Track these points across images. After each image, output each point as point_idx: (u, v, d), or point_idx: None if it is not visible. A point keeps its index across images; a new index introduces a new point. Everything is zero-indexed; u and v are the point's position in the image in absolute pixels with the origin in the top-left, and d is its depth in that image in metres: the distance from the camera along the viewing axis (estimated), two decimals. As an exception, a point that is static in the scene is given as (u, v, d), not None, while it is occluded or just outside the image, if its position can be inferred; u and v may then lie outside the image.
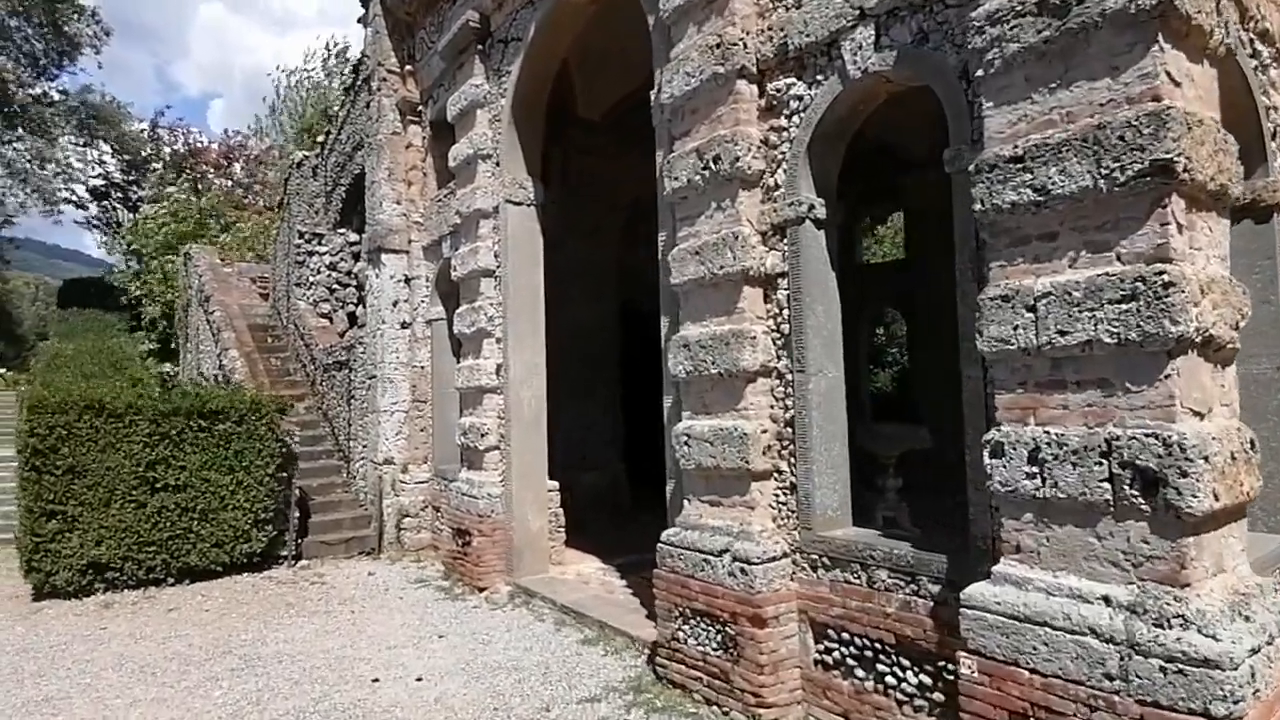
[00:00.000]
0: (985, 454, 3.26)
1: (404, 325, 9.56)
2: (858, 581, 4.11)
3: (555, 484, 7.87)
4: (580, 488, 10.57)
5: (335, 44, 22.52)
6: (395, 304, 9.53)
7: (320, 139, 12.60)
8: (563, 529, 7.96)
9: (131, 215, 27.37)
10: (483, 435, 7.60)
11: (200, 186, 23.78)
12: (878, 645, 3.99)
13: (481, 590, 7.35)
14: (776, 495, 4.59)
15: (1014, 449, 3.14)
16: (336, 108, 12.60)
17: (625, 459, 11.51)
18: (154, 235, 19.31)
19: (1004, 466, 3.17)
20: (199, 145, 28.04)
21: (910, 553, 3.84)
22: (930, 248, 12.92)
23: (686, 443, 4.92)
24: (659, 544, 5.15)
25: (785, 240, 4.56)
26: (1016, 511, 3.17)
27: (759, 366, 4.56)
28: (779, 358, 4.61)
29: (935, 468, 7.17)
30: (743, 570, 4.40)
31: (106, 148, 30.21)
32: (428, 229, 9.43)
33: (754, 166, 4.64)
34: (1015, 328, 3.14)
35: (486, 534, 7.43)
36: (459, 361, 8.28)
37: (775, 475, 4.59)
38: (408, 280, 9.62)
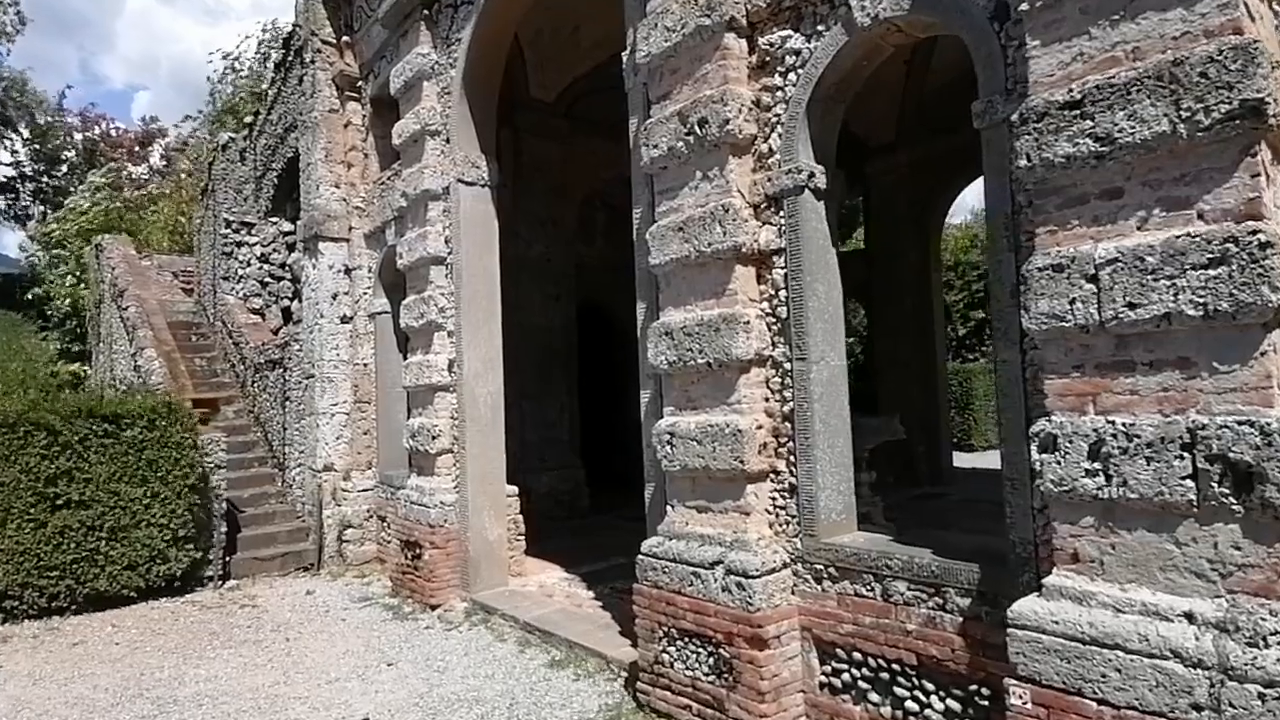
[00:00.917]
0: (1032, 448, 2.82)
1: (344, 320, 8.78)
2: (871, 594, 3.64)
3: (514, 489, 7.25)
4: (538, 491, 9.98)
5: (272, 25, 21.20)
6: (334, 297, 8.75)
7: (249, 120, 11.62)
8: (522, 537, 7.35)
9: (44, 209, 25.42)
10: (434, 437, 6.93)
11: (118, 176, 22.18)
12: (896, 666, 3.54)
13: (434, 608, 6.67)
14: (774, 499, 4.10)
15: (1070, 442, 2.70)
16: (266, 85, 11.64)
17: (584, 460, 10.94)
18: (70, 225, 17.81)
19: (1057, 462, 2.73)
20: (114, 132, 26.23)
21: (934, 561, 3.39)
22: (891, 235, 12.74)
23: (669, 442, 4.39)
24: (639, 555, 4.61)
25: (782, 213, 4.07)
26: (1073, 514, 2.73)
27: (753, 355, 4.06)
28: (774, 345, 4.12)
29: (899, 460, 6.83)
30: (739, 585, 3.90)
31: (17, 138, 28.03)
32: (370, 215, 8.67)
33: (745, 130, 4.14)
34: (1072, 301, 2.70)
35: (439, 546, 6.75)
36: (406, 358, 7.57)
37: (772, 476, 4.10)
38: (348, 271, 8.84)
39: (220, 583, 7.73)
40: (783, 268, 4.07)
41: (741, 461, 4.00)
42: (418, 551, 6.97)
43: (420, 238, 7.13)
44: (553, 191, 10.96)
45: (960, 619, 3.27)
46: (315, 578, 8.22)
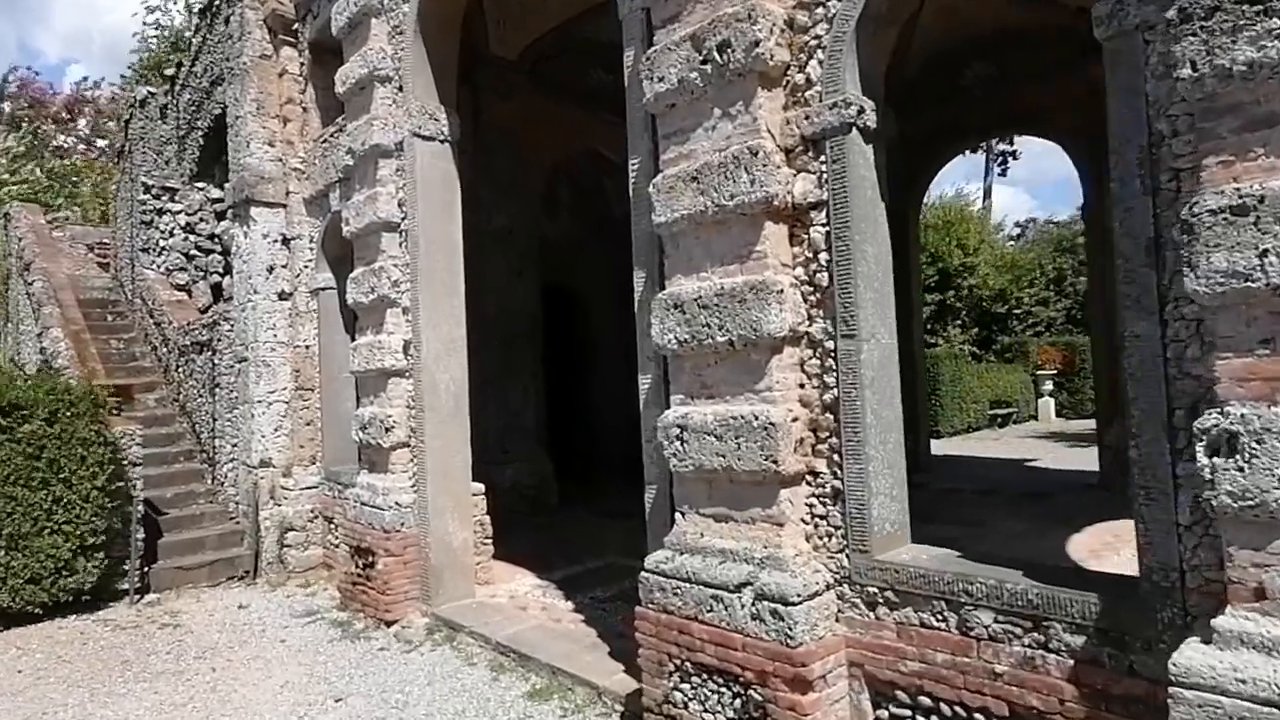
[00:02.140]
0: (1199, 450, 2.15)
1: (282, 296, 7.76)
2: (943, 625, 2.97)
3: (480, 486, 6.42)
4: (502, 486, 9.13)
5: None
6: (271, 270, 7.71)
7: (169, 72, 10.34)
8: (490, 541, 6.52)
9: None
10: (388, 429, 6.04)
11: (40, 143, 20.24)
12: (979, 717, 2.87)
13: (390, 624, 5.83)
14: (813, 506, 3.39)
15: (1258, 442, 2.04)
16: (190, 33, 10.40)
17: (551, 452, 10.13)
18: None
19: (1239, 470, 2.07)
20: (42, 95, 23.97)
21: (1032, 588, 2.72)
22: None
23: (680, 437, 3.64)
24: (643, 574, 3.86)
25: (823, 158, 3.33)
26: (1260, 537, 2.08)
27: (788, 331, 3.32)
28: (811, 319, 3.40)
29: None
30: (774, 612, 3.18)
31: None
32: (311, 177, 7.65)
33: (777, 56, 3.37)
34: (1263, 254, 2.03)
35: (395, 553, 5.89)
36: (355, 339, 6.63)
37: (810, 479, 3.39)
38: (286, 241, 7.80)
39: (138, 596, 6.70)
40: (823, 225, 3.33)
41: (774, 461, 3.27)
42: (370, 559, 6.09)
43: (369, 200, 6.18)
44: (516, 158, 10.04)
45: (1070, 662, 2.61)
46: (251, 588, 7.25)
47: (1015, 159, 23.38)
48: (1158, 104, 2.39)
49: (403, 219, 6.12)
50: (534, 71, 9.91)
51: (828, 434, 3.33)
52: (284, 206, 7.75)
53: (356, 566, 6.27)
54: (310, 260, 7.74)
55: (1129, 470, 2.51)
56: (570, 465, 10.74)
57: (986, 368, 20.96)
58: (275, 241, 7.73)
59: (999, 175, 27.10)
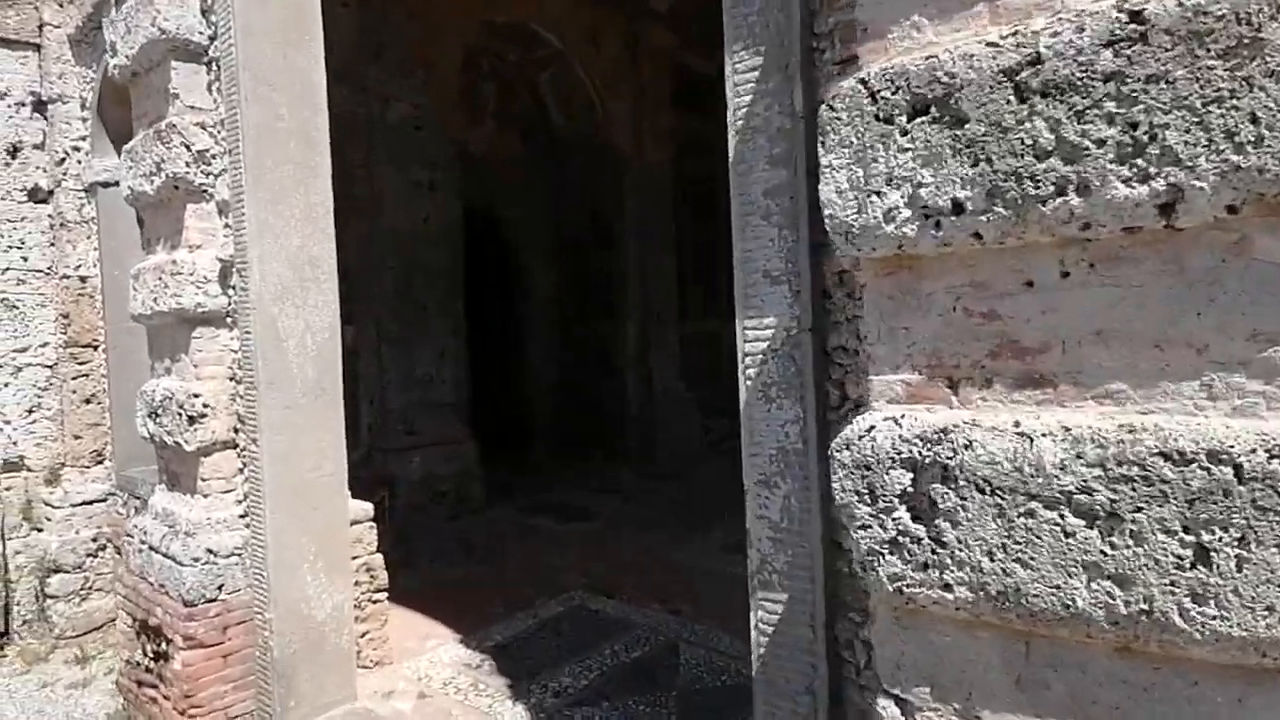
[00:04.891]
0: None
1: (35, 196, 4.82)
2: None
3: (366, 507, 3.88)
4: (407, 480, 6.60)
5: None
6: (13, 152, 4.75)
7: None
8: (382, 592, 4.00)
9: None
10: (192, 419, 3.39)
11: None
12: None
13: (201, 763, 3.28)
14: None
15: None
16: None
17: (475, 430, 7.57)
18: None
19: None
20: None
21: None
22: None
23: (926, 503, 1.25)
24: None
25: None
26: None
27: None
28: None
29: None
30: None
31: None
32: None
33: None
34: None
35: (205, 642, 3.30)
36: (142, 261, 3.88)
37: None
38: (40, 105, 4.83)
39: None
40: None
41: None
42: (162, 648, 3.47)
43: (144, 4, 3.39)
44: (421, 26, 7.21)
45: None
46: (-10, 665, 4.48)
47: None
48: None
49: (207, 36, 3.38)
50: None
51: None
52: (34, 47, 4.75)
53: (144, 653, 3.63)
54: (83, 136, 4.82)
55: None
56: (495, 440, 8.24)
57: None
58: (21, 106, 4.75)
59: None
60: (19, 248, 4.72)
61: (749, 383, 1.60)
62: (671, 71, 9.82)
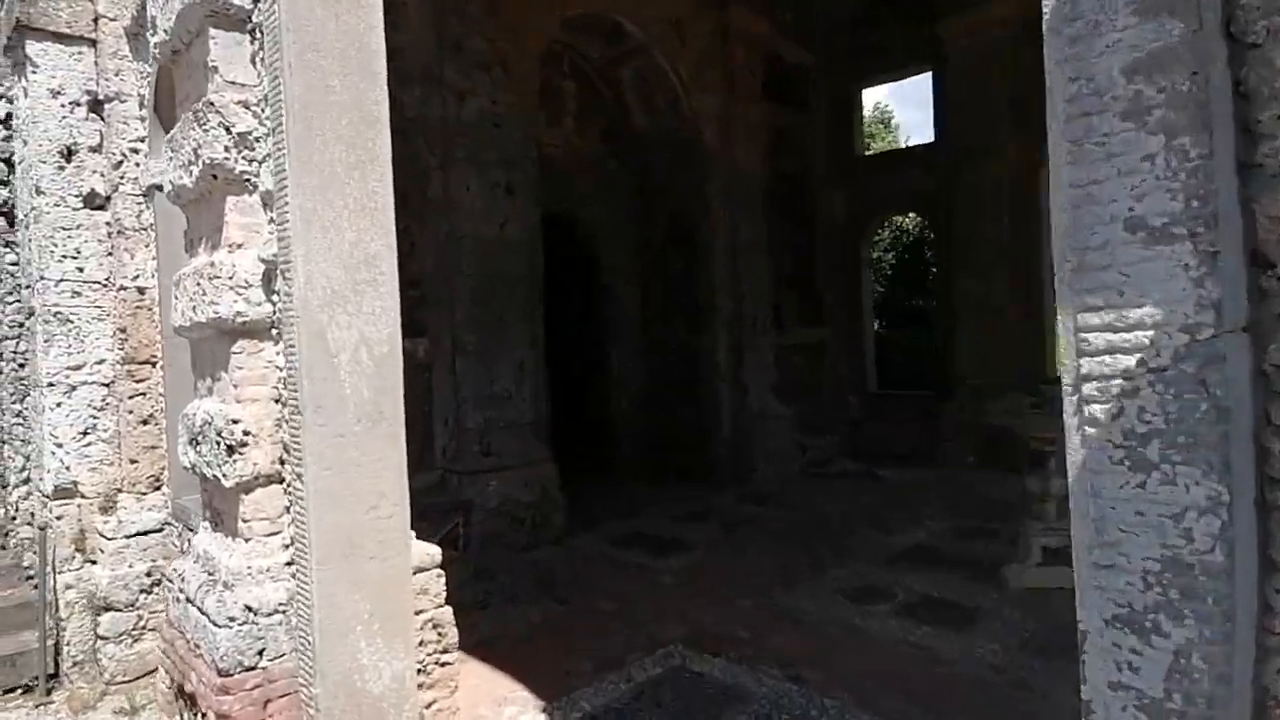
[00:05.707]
0: None
1: (92, 202, 4.48)
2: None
3: (434, 552, 3.27)
4: (483, 508, 6.05)
5: None
6: (70, 155, 4.42)
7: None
8: (448, 653, 3.37)
9: None
10: (232, 450, 2.85)
11: None
12: None
13: None
14: None
15: None
16: None
17: (554, 449, 6.96)
18: None
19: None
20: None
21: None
22: (974, 114, 9.08)
23: None
24: None
25: None
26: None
27: None
28: None
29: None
30: None
31: None
32: (134, -11, 4.34)
33: None
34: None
35: (238, 715, 2.74)
36: (185, 265, 3.40)
37: None
38: (96, 105, 4.50)
39: None
40: None
41: None
42: (200, 715, 2.93)
43: (184, -39, 2.90)
44: (499, 23, 6.72)
45: None
46: (41, 713, 4.11)
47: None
48: None
49: (251, 3, 2.86)
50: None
51: None
52: (89, 42, 4.42)
53: (183, 718, 3.11)
54: (141, 137, 4.46)
55: None
56: (576, 460, 7.63)
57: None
58: (76, 105, 4.42)
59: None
60: (74, 257, 4.38)
61: (1089, 429, 0.85)
62: (763, 60, 9.08)
